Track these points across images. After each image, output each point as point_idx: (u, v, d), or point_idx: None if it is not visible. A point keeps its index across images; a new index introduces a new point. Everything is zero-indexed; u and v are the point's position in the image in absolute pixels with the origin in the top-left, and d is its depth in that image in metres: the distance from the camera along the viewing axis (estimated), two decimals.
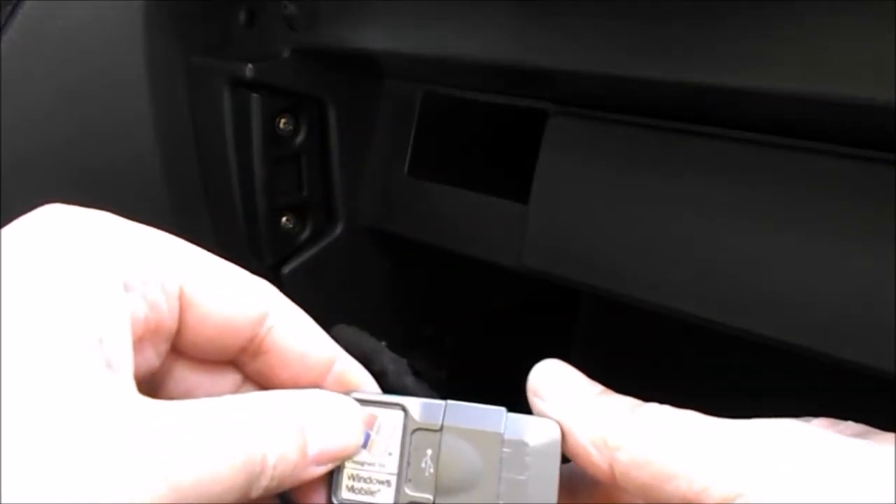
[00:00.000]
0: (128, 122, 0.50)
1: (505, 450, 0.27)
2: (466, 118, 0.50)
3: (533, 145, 0.45)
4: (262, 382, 0.29)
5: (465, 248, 0.49)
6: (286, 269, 0.53)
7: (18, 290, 0.23)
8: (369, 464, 0.28)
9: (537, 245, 0.45)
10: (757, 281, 0.37)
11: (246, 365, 0.29)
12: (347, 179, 0.53)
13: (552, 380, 0.28)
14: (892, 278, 0.33)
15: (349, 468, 0.28)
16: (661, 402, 0.30)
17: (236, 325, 0.27)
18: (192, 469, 0.22)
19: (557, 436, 0.27)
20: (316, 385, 0.28)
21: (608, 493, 0.28)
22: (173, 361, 0.28)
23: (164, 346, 0.27)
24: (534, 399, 0.28)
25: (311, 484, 0.27)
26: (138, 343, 0.25)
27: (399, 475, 0.28)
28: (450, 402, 0.28)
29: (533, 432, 0.27)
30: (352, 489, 0.28)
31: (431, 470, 0.27)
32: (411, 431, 0.28)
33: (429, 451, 0.28)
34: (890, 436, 0.25)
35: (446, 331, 0.62)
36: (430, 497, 0.27)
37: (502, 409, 0.28)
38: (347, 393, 0.28)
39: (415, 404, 0.28)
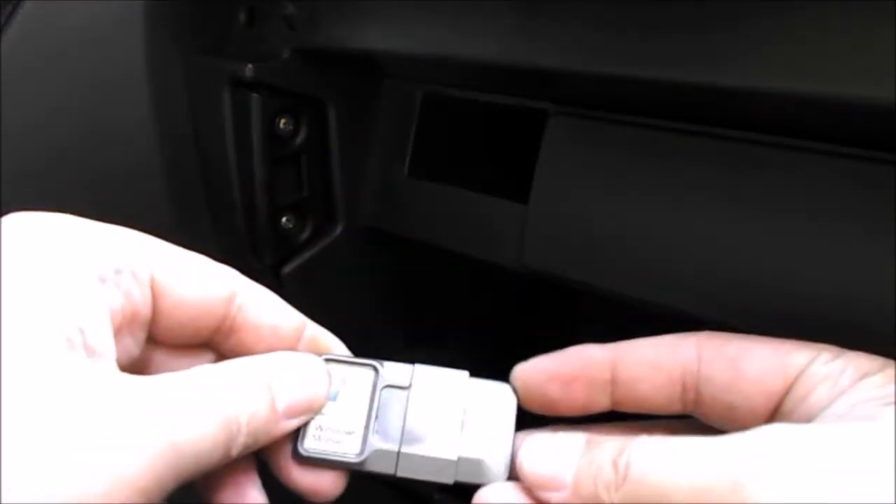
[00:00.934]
0: (127, 122, 0.50)
1: (466, 408, 0.29)
2: (466, 118, 0.50)
3: (533, 145, 0.45)
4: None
5: (465, 248, 0.49)
6: (286, 269, 0.53)
7: None
8: (338, 417, 0.29)
9: (537, 245, 0.45)
10: (757, 281, 0.37)
11: (221, 345, 0.30)
12: (347, 179, 0.53)
13: (539, 464, 0.27)
14: (892, 278, 0.33)
15: (317, 420, 0.29)
16: None
17: (207, 306, 0.29)
18: (181, 429, 0.24)
19: (513, 397, 0.30)
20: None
21: None
22: (152, 349, 0.29)
23: (141, 335, 0.28)
24: (543, 495, 0.27)
25: (284, 440, 0.28)
26: (117, 332, 0.26)
27: (366, 427, 0.29)
28: (417, 364, 0.30)
29: (491, 393, 0.30)
30: (318, 438, 0.29)
31: (398, 423, 0.29)
32: (381, 388, 0.30)
33: (395, 407, 0.29)
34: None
35: (446, 331, 0.62)
36: (395, 447, 0.28)
37: (465, 372, 0.30)
38: (320, 355, 0.30)
39: (385, 365, 0.30)
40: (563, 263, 0.44)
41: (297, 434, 0.29)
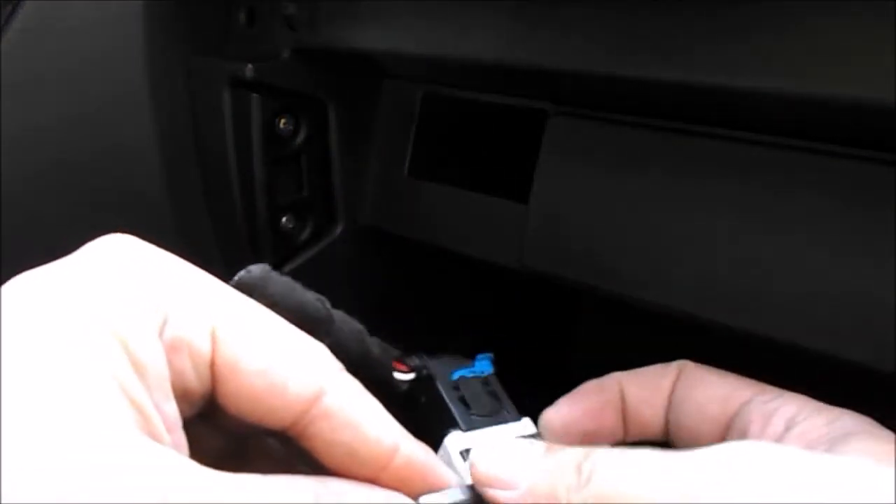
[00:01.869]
0: (127, 122, 0.50)
1: None
2: (466, 118, 0.50)
3: (533, 145, 0.45)
4: (309, 455, 0.25)
5: (465, 248, 0.49)
6: (286, 270, 0.53)
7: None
8: None
9: (537, 245, 0.45)
10: (757, 281, 0.37)
11: (291, 437, 0.25)
12: (347, 179, 0.53)
13: (493, 464, 0.26)
14: (892, 278, 0.33)
15: None
16: None
17: (284, 399, 0.23)
18: None
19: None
20: (373, 477, 0.25)
21: None
22: (201, 427, 0.25)
23: (188, 410, 0.24)
24: (491, 493, 0.26)
25: None
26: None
27: None
28: None
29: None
30: None
31: None
32: None
33: None
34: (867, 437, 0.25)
35: (446, 331, 0.62)
36: None
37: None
38: (415, 499, 0.25)
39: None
40: (563, 263, 0.44)
41: None
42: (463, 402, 0.31)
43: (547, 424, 0.32)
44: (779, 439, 0.27)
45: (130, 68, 0.50)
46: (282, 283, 0.28)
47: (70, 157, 0.49)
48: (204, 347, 0.23)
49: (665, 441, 0.32)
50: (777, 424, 0.28)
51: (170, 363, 0.22)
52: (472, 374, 0.32)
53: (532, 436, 0.30)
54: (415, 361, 0.31)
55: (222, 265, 0.52)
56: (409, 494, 0.25)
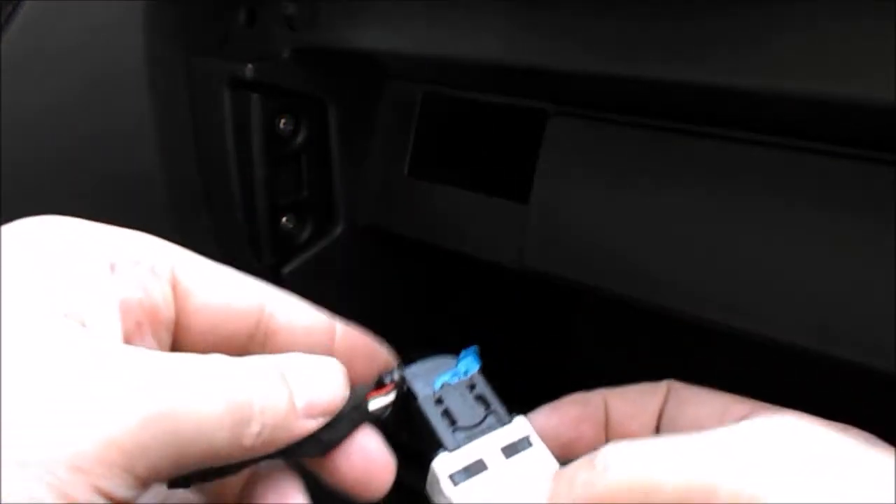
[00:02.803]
0: (127, 123, 0.50)
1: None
2: (466, 118, 0.50)
3: (533, 145, 0.45)
4: None
5: (466, 248, 0.49)
6: (286, 269, 0.53)
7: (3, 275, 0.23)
8: None
9: (537, 245, 0.45)
10: (756, 281, 0.37)
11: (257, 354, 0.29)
12: (347, 179, 0.53)
13: None
14: (892, 278, 0.33)
15: None
16: None
17: (235, 313, 0.28)
18: (179, 400, 0.23)
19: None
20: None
21: None
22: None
23: (166, 336, 0.27)
24: None
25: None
26: (136, 328, 0.26)
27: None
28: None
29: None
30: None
31: None
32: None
33: None
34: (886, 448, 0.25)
35: (446, 331, 0.62)
36: None
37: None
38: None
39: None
40: (563, 263, 0.44)
41: None
42: (448, 415, 0.30)
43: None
44: None
45: (130, 68, 0.50)
46: None
47: (69, 156, 0.49)
48: (165, 270, 0.27)
49: None
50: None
51: (134, 278, 0.26)
52: (456, 379, 0.31)
53: (523, 439, 0.30)
54: (394, 376, 0.30)
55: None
56: (354, 376, 0.29)
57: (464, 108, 0.50)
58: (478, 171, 0.49)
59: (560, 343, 0.69)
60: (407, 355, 0.32)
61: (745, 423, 0.25)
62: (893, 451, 0.25)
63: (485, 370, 0.32)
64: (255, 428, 0.25)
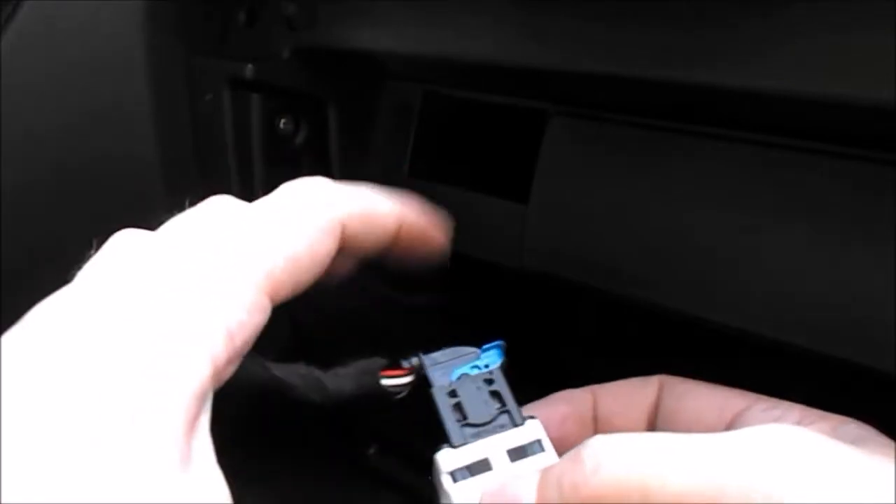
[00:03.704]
0: (127, 122, 0.50)
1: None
2: (466, 118, 0.50)
3: (533, 145, 0.45)
4: None
5: (465, 248, 0.49)
6: None
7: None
8: None
9: (537, 245, 0.45)
10: (757, 281, 0.37)
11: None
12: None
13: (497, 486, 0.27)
14: (892, 278, 0.33)
15: None
16: None
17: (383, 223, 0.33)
18: None
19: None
20: None
21: None
22: None
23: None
24: None
25: None
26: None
27: None
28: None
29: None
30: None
31: None
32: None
33: None
34: (885, 443, 0.25)
35: (446, 331, 0.62)
36: None
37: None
38: None
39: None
40: (563, 263, 0.44)
41: None
42: (459, 409, 0.29)
43: None
44: None
45: (130, 68, 0.50)
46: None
47: (69, 156, 0.49)
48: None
49: None
50: None
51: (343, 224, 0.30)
52: (476, 372, 0.30)
53: (534, 442, 0.29)
54: (412, 362, 0.30)
55: None
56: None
57: (464, 107, 0.50)
58: (478, 171, 0.49)
59: (559, 343, 0.69)
60: (406, 355, 0.32)
61: (748, 428, 0.24)
62: (894, 444, 0.25)
63: (508, 367, 0.31)
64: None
